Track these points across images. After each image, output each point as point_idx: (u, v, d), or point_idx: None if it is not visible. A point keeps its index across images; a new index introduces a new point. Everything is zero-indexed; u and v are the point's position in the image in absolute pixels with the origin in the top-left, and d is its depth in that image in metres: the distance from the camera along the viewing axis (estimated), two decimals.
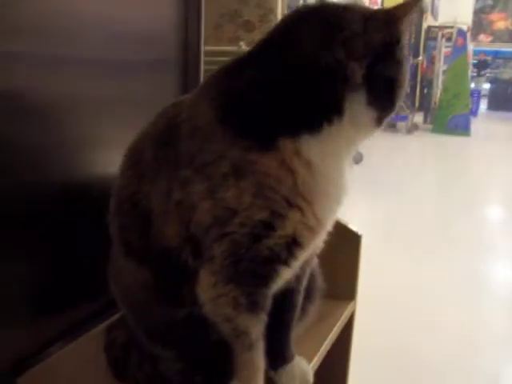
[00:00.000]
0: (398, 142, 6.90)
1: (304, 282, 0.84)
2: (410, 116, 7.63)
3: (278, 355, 0.83)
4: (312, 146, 0.67)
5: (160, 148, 0.75)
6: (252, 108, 0.67)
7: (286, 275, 0.76)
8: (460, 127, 7.46)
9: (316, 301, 0.93)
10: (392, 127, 7.74)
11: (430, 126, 7.94)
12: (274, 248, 0.69)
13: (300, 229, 0.69)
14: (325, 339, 0.98)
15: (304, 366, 0.85)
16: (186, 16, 1.23)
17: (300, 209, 0.68)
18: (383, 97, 0.69)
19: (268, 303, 0.75)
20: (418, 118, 8.25)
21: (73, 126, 0.98)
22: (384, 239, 3.11)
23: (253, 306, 0.73)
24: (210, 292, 0.73)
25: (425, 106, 8.73)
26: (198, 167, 0.69)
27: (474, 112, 9.40)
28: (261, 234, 0.68)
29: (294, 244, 0.70)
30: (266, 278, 0.72)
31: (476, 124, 8.12)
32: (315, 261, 0.88)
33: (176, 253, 0.74)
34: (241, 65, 0.71)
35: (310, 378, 0.85)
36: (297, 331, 0.91)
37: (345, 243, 1.12)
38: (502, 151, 6.50)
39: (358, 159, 5.18)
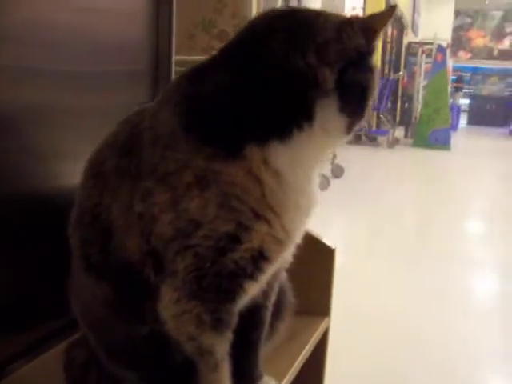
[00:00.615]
0: (378, 156, 6.93)
1: (272, 298, 0.80)
2: (391, 130, 7.68)
3: (245, 375, 0.80)
4: (281, 155, 0.64)
5: (122, 158, 0.72)
6: (217, 114, 0.64)
7: (252, 290, 0.72)
8: (440, 141, 7.51)
9: (286, 317, 0.90)
10: (373, 141, 7.79)
11: (410, 141, 8.00)
12: (240, 262, 0.66)
13: (267, 242, 0.66)
14: (296, 357, 0.94)
15: None
16: (157, 26, 1.20)
17: (267, 221, 0.65)
18: (354, 103, 0.66)
19: (234, 320, 0.71)
20: (399, 132, 8.31)
21: (39, 136, 0.94)
22: (363, 253, 3.09)
23: (217, 324, 0.69)
24: (172, 309, 0.69)
25: (405, 121, 8.82)
26: (159, 177, 0.66)
27: (454, 127, 9.50)
28: (226, 247, 0.65)
29: (260, 257, 0.67)
30: (232, 294, 0.69)
31: (456, 138, 8.21)
32: (284, 275, 0.85)
33: (137, 267, 0.70)
34: (205, 69, 0.68)
35: None
36: (266, 350, 0.87)
37: (318, 257, 1.09)
38: (481, 165, 6.56)
39: (339, 173, 5.19)
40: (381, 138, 7.82)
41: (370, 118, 7.79)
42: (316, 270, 1.09)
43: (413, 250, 3.13)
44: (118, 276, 0.73)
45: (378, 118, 7.96)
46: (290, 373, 0.90)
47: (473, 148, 8.26)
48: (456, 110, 10.42)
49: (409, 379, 1.84)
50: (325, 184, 4.65)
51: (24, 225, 0.91)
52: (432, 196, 4.68)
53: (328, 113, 0.64)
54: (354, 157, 6.49)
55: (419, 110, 8.18)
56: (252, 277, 0.68)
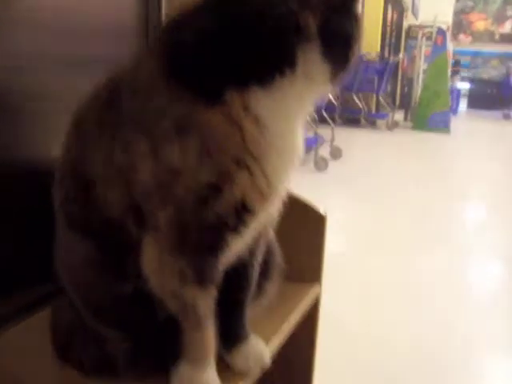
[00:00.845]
0: (377, 139, 6.90)
1: (259, 257, 0.79)
2: (391, 114, 7.64)
3: (231, 334, 0.79)
4: (262, 100, 0.63)
5: (103, 110, 0.71)
6: (197, 59, 0.63)
7: (236, 246, 0.71)
8: (440, 124, 7.48)
9: (274, 279, 0.89)
10: (372, 124, 7.76)
11: (410, 124, 7.96)
12: (222, 214, 0.65)
13: (249, 192, 0.65)
14: (285, 321, 0.93)
15: (260, 345, 0.81)
16: (147, 11, 1.18)
17: (249, 168, 0.64)
18: (338, 51, 0.64)
19: (217, 276, 0.70)
20: (399, 115, 8.27)
21: (25, 120, 0.93)
22: (361, 234, 3.08)
23: (200, 279, 0.68)
24: (154, 264, 0.68)
25: (405, 104, 8.76)
26: (140, 127, 0.65)
27: (454, 110, 9.47)
28: (207, 197, 0.63)
29: (243, 209, 0.66)
30: (215, 248, 0.68)
31: (456, 122, 8.17)
32: (271, 234, 0.84)
33: (119, 222, 0.69)
34: (185, 18, 0.66)
35: (267, 358, 0.80)
36: (253, 311, 0.86)
37: (309, 224, 1.08)
38: (481, 148, 6.53)
39: (338, 155, 5.17)
40: (380, 122, 7.78)
41: (369, 101, 7.76)
42: (307, 237, 1.08)
43: (411, 230, 3.12)
44: (100, 232, 0.72)
45: (378, 101, 7.91)
46: (278, 335, 0.89)
47: (473, 131, 8.22)
48: (456, 94, 10.37)
49: (402, 352, 1.84)
50: (323, 165, 4.64)
51: (7, 189, 0.89)
52: (431, 178, 4.65)
53: (311, 59, 0.62)
54: (352, 139, 6.47)
55: (419, 93, 8.13)
56: (235, 230, 0.67)
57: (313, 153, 4.78)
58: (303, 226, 1.07)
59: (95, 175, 0.69)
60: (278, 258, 0.89)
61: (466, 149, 6.49)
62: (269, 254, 0.85)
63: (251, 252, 0.77)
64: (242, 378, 0.78)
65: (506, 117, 10.03)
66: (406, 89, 9.03)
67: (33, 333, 0.89)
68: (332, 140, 5.27)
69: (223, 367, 0.77)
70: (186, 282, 0.67)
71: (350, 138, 6.23)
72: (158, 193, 0.64)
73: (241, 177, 0.64)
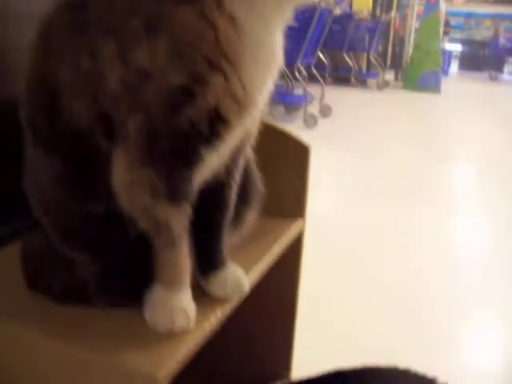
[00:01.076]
0: (368, 98, 6.84)
1: (236, 177, 0.75)
2: (381, 73, 7.55)
3: (208, 260, 0.76)
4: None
5: (70, 15, 0.66)
6: None
7: (212, 161, 0.67)
8: (431, 84, 7.41)
9: (254, 206, 0.85)
10: (362, 84, 7.68)
11: (400, 83, 7.89)
12: (195, 121, 0.61)
13: (224, 98, 0.61)
14: (265, 254, 0.90)
15: (238, 273, 0.78)
16: None
17: (223, 72, 0.59)
18: None
19: (192, 193, 0.66)
20: (390, 75, 8.18)
21: None
22: (350, 191, 3.05)
23: (173, 194, 0.64)
24: (124, 178, 0.64)
25: (396, 64, 8.67)
26: (107, 29, 0.60)
27: (445, 71, 9.38)
28: (179, 102, 0.59)
29: (217, 118, 0.62)
30: (187, 159, 0.64)
31: (447, 83, 8.10)
32: (250, 155, 0.79)
33: (87, 135, 0.65)
34: None
35: (245, 285, 0.77)
36: (232, 240, 0.83)
37: (292, 156, 1.04)
38: (471, 109, 6.49)
39: (327, 113, 5.11)
40: (370, 81, 7.70)
41: (360, 60, 7.65)
42: (291, 170, 1.04)
43: (399, 189, 3.09)
44: (68, 148, 0.67)
45: (369, 60, 7.81)
46: (259, 266, 0.86)
47: (463, 92, 8.17)
48: (448, 56, 10.26)
49: (392, 290, 1.83)
50: (312, 123, 4.58)
51: None
52: (420, 138, 4.62)
53: None
54: (342, 98, 6.40)
55: (410, 52, 8.03)
56: (209, 142, 0.63)
57: (302, 110, 4.72)
58: (286, 159, 1.04)
59: (62, 84, 0.65)
60: (259, 184, 0.85)
61: (455, 109, 6.45)
62: (248, 179, 0.81)
63: (228, 171, 0.73)
64: (219, 306, 0.74)
65: (493, 78, 9.95)
66: (397, 48, 8.91)
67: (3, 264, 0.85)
68: (322, 98, 5.21)
69: (200, 294, 0.74)
70: (157, 197, 0.64)
71: (339, 97, 6.17)
72: (126, 98, 0.60)
73: (215, 81, 0.59)
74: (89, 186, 0.68)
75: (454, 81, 9.35)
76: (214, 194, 0.73)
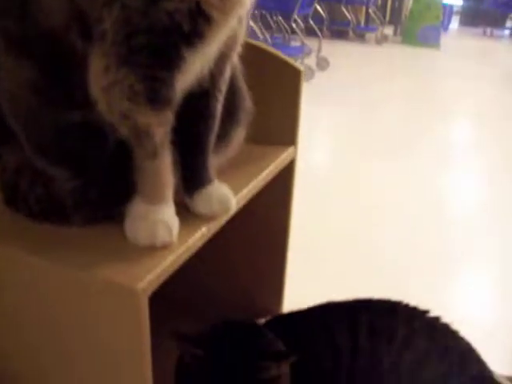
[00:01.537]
0: (365, 52, 6.72)
1: (222, 86, 0.71)
2: (380, 27, 7.40)
3: (193, 176, 0.72)
4: None
5: None
6: None
7: (195, 66, 0.63)
8: (430, 39, 7.27)
9: (242, 124, 0.81)
10: (361, 38, 7.54)
11: (399, 38, 7.74)
12: (175, 15, 0.56)
13: None
14: (254, 178, 0.86)
15: (225, 190, 0.74)
16: None
17: None
18: None
19: (173, 98, 0.62)
20: (388, 30, 8.02)
21: None
22: (345, 146, 3.00)
23: (153, 97, 0.60)
24: (102, 80, 0.60)
25: (395, 19, 8.49)
26: None
27: (445, 27, 9.21)
28: None
29: (199, 14, 0.57)
30: (167, 60, 0.59)
31: (446, 39, 7.95)
32: (237, 66, 0.75)
33: (61, 35, 0.61)
34: None
35: (231, 203, 0.74)
36: (220, 159, 0.80)
37: (284, 80, 0.99)
38: (471, 66, 6.37)
39: (324, 66, 5.02)
40: (369, 35, 7.56)
41: (358, 14, 7.50)
42: (282, 94, 1.00)
43: (396, 145, 3.04)
44: (41, 50, 0.63)
45: (367, 13, 7.65)
46: (246, 190, 0.82)
47: (463, 48, 8.02)
48: (448, 10, 10.06)
49: (384, 243, 1.82)
50: (309, 75, 4.50)
51: None
52: (417, 93, 4.54)
53: None
54: (340, 51, 6.29)
55: (410, 5, 7.86)
56: (191, 41, 0.59)
57: (299, 62, 4.63)
58: (278, 83, 0.99)
59: None
60: (247, 101, 0.81)
61: (455, 66, 6.33)
62: (235, 94, 0.77)
63: (213, 79, 0.69)
64: (205, 223, 0.71)
65: (493, 34, 9.76)
66: (396, 2, 8.72)
67: None
68: (319, 51, 5.11)
69: (185, 213, 0.71)
70: (137, 101, 0.60)
71: (337, 51, 6.05)
72: None
73: None
74: (64, 93, 0.64)
75: (454, 37, 9.19)
76: (198, 104, 0.69)
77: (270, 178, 0.91)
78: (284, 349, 0.85)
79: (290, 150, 1.00)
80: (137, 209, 0.65)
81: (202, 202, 0.72)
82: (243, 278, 1.16)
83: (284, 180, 1.03)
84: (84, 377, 0.67)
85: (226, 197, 0.73)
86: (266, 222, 1.08)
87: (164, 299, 0.99)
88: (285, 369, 0.84)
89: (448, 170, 2.66)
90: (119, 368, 0.63)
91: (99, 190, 0.67)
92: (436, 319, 1.02)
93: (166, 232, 0.64)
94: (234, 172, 0.85)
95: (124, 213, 0.66)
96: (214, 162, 0.77)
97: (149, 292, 0.59)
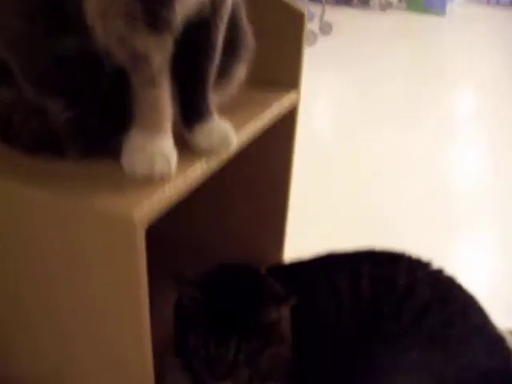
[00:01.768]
0: (369, 18, 6.61)
1: (224, 16, 0.68)
2: None
3: (193, 110, 0.70)
4: None
5: None
6: None
7: None
8: (435, 6, 7.16)
9: (243, 60, 0.78)
10: (364, 4, 7.41)
11: (404, 5, 7.60)
12: None
13: None
14: (255, 118, 0.84)
15: (225, 126, 0.72)
16: None
17: None
18: None
19: (173, 21, 0.59)
20: None
21: None
22: (346, 113, 2.95)
23: (152, 20, 0.57)
24: (98, 3, 0.56)
25: None
26: None
27: None
28: None
29: None
30: None
31: (453, 6, 7.81)
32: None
33: None
34: None
35: (232, 139, 0.71)
36: (221, 96, 0.77)
37: (286, 23, 0.96)
38: (477, 35, 6.27)
39: (327, 30, 4.94)
40: (373, 1, 7.41)
41: None
42: (285, 38, 0.97)
43: (402, 114, 2.98)
44: None
45: None
46: (247, 129, 0.80)
47: (470, 17, 7.89)
48: None
49: (383, 207, 1.80)
50: (312, 39, 4.43)
51: None
52: (422, 63, 4.46)
53: None
54: (343, 17, 6.18)
55: None
56: None
57: None
58: (280, 26, 0.96)
59: None
60: (248, 37, 0.78)
61: (460, 35, 6.22)
62: (236, 27, 0.74)
63: (214, 5, 0.65)
64: (205, 158, 0.69)
65: (496, 2, 9.56)
66: None
67: None
68: (322, 15, 5.02)
69: (184, 149, 0.69)
70: (135, 24, 0.57)
71: (340, 16, 5.94)
72: None
73: None
74: (59, 17, 0.61)
75: (461, 3, 9.03)
76: (198, 34, 0.66)
77: (272, 119, 0.88)
78: (284, 292, 0.84)
79: (293, 94, 0.97)
80: (134, 140, 0.63)
81: (203, 136, 0.69)
82: (244, 226, 1.14)
83: (286, 127, 1.00)
84: (78, 312, 0.65)
85: (226, 132, 0.71)
86: (267, 169, 1.06)
87: (162, 243, 0.98)
88: (285, 313, 0.82)
89: (451, 141, 2.61)
90: (116, 302, 0.61)
91: (95, 120, 0.65)
92: (439, 271, 1.00)
93: (164, 163, 0.62)
94: (235, 112, 0.82)
95: (121, 145, 0.64)
96: (215, 99, 0.74)
97: (145, 222, 0.57)
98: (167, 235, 1.02)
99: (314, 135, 2.31)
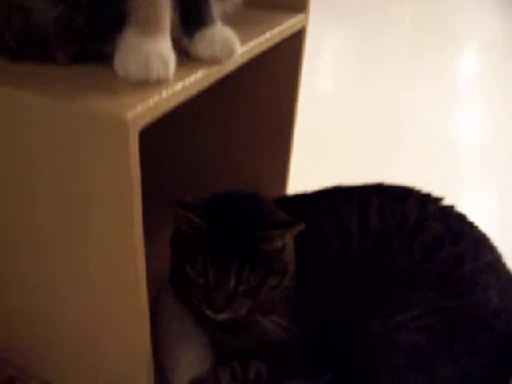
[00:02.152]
0: None
1: None
2: None
3: (195, 13, 0.64)
4: None
5: None
6: None
7: None
8: None
9: None
10: None
11: None
12: None
13: None
14: (262, 34, 0.78)
15: (228, 32, 0.66)
16: None
17: None
18: None
19: None
20: None
21: None
22: (348, 68, 2.85)
23: None
24: None
25: None
26: None
27: None
28: None
29: None
30: None
31: None
32: None
33: None
34: None
35: (236, 46, 0.66)
36: (223, 4, 0.70)
37: None
38: None
39: None
40: None
41: None
42: None
43: (403, 67, 2.88)
44: None
45: None
46: (253, 44, 0.74)
47: None
48: None
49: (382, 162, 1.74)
50: None
51: None
52: (426, 19, 4.32)
53: None
54: None
55: None
56: None
57: None
58: None
59: None
60: None
61: None
62: None
63: None
64: (206, 65, 0.63)
65: None
66: None
67: None
68: None
69: (184, 58, 0.63)
70: None
71: None
72: None
73: None
74: None
75: None
76: None
77: (279, 37, 0.82)
78: (288, 218, 0.78)
79: (301, 15, 0.91)
80: (129, 41, 0.57)
81: (204, 43, 0.64)
82: (247, 156, 1.09)
83: (293, 51, 0.94)
84: (68, 216, 0.61)
85: (229, 39, 0.65)
86: (273, 96, 1.00)
87: (163, 171, 0.93)
88: (289, 241, 0.78)
89: (454, 103, 2.52)
90: (108, 210, 0.56)
91: (86, 18, 0.59)
92: (451, 206, 0.95)
93: (160, 65, 0.56)
94: (242, 29, 0.76)
95: (114, 47, 0.58)
96: (218, 8, 0.68)
97: (139, 124, 0.52)
98: (169, 163, 0.97)
99: (314, 86, 2.23)
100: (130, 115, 0.50)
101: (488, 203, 1.60)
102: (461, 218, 0.94)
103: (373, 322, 0.81)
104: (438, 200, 0.95)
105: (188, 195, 0.77)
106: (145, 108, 0.52)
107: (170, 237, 0.80)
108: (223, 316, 0.75)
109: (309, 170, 1.32)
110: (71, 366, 0.79)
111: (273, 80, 0.96)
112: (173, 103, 0.57)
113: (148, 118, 0.53)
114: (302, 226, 0.74)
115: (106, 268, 0.61)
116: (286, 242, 0.76)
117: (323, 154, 1.64)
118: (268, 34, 0.78)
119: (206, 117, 1.07)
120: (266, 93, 0.99)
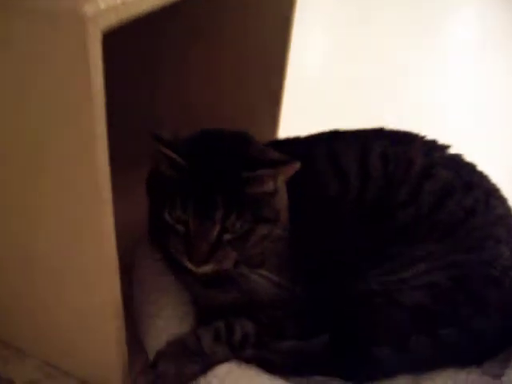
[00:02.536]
0: None
1: None
2: None
3: None
4: None
5: None
6: None
7: None
8: None
9: None
10: None
11: None
12: None
13: None
14: None
15: None
16: None
17: None
18: None
19: None
20: None
21: None
22: (342, 44, 2.69)
23: None
24: None
25: None
26: None
27: None
28: None
29: None
30: None
31: None
32: None
33: None
34: None
35: None
36: None
37: None
38: None
39: None
40: None
41: None
42: None
43: (408, 27, 2.73)
44: None
45: None
46: None
47: None
48: None
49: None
50: None
51: None
52: None
53: None
54: None
55: None
56: None
57: None
58: None
59: None
60: None
61: None
62: None
63: None
64: None
65: None
66: None
67: None
68: None
69: None
70: None
71: None
72: None
73: None
74: None
75: None
76: None
77: None
78: (280, 156, 0.69)
79: None
80: None
81: None
82: (235, 98, 0.99)
83: None
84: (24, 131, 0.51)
85: None
86: (264, 41, 0.90)
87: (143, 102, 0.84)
88: (281, 184, 0.68)
89: (451, 61, 2.40)
90: (67, 125, 0.46)
91: None
92: (459, 155, 0.86)
93: None
94: None
95: None
96: None
97: (101, 24, 0.41)
98: (150, 99, 0.88)
99: (308, 56, 2.12)
100: (90, 11, 0.40)
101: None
102: (470, 167, 0.85)
103: (373, 279, 0.73)
104: (445, 147, 0.86)
105: (165, 130, 0.66)
106: (109, 5, 0.41)
107: (146, 178, 0.70)
108: (205, 268, 0.66)
109: (301, 118, 1.22)
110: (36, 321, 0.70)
111: (264, 26, 0.87)
112: (143, 7, 0.46)
113: (112, 18, 0.42)
114: (297, 165, 0.64)
115: (63, 197, 0.51)
116: (278, 185, 0.67)
117: (315, 102, 1.53)
118: None
119: (195, 55, 0.97)
120: (256, 37, 0.89)
